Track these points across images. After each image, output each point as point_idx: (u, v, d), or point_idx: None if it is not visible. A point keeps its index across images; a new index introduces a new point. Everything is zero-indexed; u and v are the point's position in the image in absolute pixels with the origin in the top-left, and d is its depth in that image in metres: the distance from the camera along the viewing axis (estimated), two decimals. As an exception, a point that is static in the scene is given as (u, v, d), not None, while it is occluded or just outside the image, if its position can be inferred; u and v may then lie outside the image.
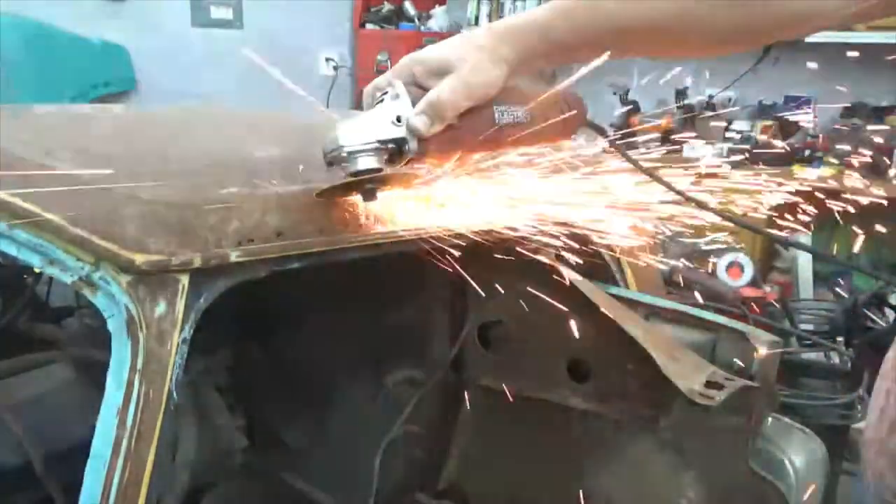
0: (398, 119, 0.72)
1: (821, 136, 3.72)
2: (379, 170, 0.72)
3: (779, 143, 3.63)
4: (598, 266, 1.12)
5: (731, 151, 3.60)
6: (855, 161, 3.03)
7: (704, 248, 2.02)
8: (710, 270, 1.86)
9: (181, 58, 3.64)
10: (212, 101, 2.92)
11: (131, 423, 0.67)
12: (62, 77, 3.13)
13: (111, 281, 0.69)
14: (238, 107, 1.46)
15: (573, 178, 0.91)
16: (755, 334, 0.92)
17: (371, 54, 4.17)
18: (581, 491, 1.02)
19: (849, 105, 3.68)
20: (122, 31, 3.42)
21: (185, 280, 0.71)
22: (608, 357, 0.97)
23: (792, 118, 3.83)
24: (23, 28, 3.01)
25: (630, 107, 4.09)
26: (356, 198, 0.78)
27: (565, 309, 1.01)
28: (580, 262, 1.15)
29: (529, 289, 1.05)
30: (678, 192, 0.93)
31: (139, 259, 0.68)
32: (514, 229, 0.89)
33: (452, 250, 1.04)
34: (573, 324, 1.00)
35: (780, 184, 1.07)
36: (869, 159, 3.20)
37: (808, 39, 3.60)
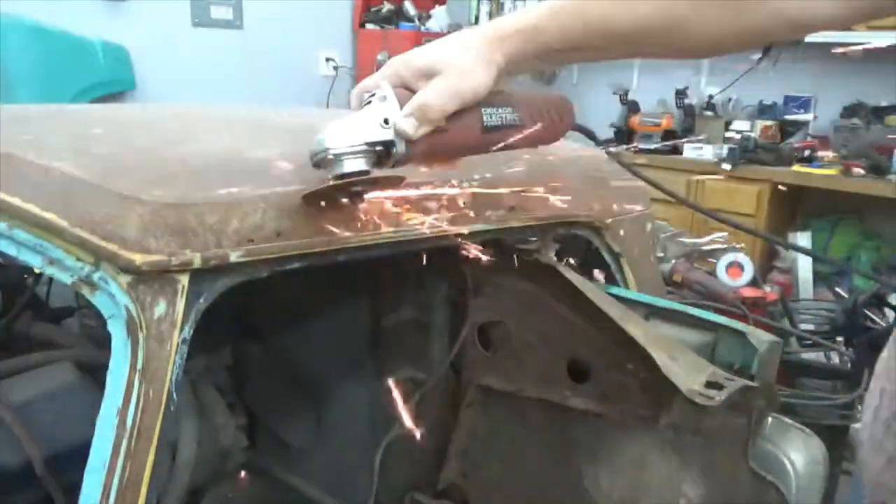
0: (386, 121, 0.72)
1: (821, 135, 3.72)
2: (366, 172, 0.71)
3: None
4: (597, 266, 1.12)
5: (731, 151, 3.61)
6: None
7: (704, 248, 2.02)
8: (710, 270, 1.86)
9: (181, 58, 3.64)
10: (212, 101, 2.92)
11: (131, 423, 0.67)
12: (62, 77, 3.14)
13: (111, 281, 0.69)
14: (238, 107, 1.46)
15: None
16: (755, 334, 0.92)
17: (371, 54, 4.17)
18: (581, 491, 1.02)
19: (849, 105, 3.68)
20: (122, 31, 3.42)
21: (185, 280, 0.71)
22: (608, 357, 0.97)
23: (791, 118, 3.83)
24: (23, 28, 3.01)
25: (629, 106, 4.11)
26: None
27: (565, 309, 1.01)
28: (580, 261, 1.16)
29: (529, 289, 1.05)
30: (677, 198, 0.94)
31: (139, 259, 0.68)
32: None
33: (452, 250, 1.04)
34: (573, 324, 1.00)
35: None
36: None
37: (808, 39, 3.61)
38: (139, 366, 0.68)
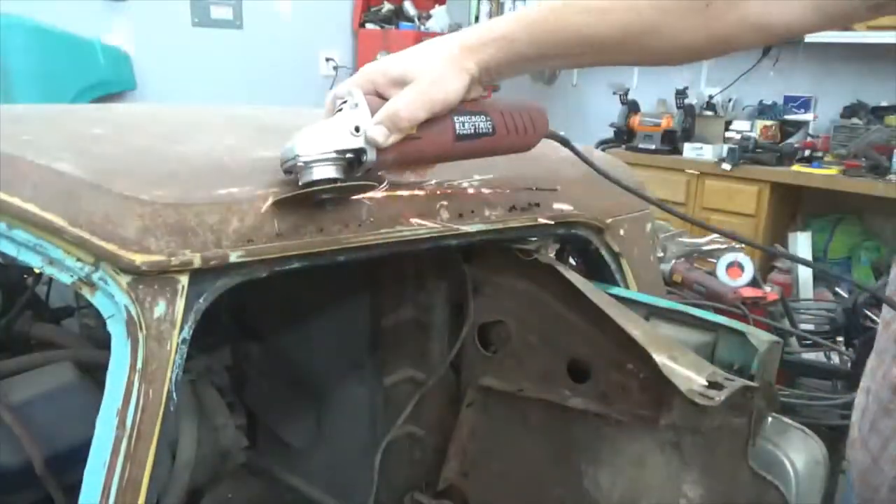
0: (356, 129, 0.72)
1: (821, 135, 3.73)
2: (336, 180, 0.72)
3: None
4: (597, 266, 1.12)
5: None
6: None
7: (704, 248, 2.02)
8: (710, 270, 1.86)
9: (181, 58, 3.64)
10: (212, 101, 2.92)
11: (131, 423, 0.67)
12: (62, 77, 3.14)
13: (111, 281, 0.69)
14: (238, 107, 1.46)
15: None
16: (755, 334, 0.92)
17: (371, 54, 4.17)
18: (581, 491, 1.02)
19: (849, 105, 3.68)
20: (122, 31, 3.42)
21: (184, 280, 0.71)
22: (608, 357, 0.97)
23: (791, 118, 3.83)
24: (23, 28, 3.02)
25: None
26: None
27: (565, 309, 1.01)
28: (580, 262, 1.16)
29: (529, 289, 1.05)
30: (669, 211, 0.94)
31: (139, 259, 0.68)
32: None
33: (452, 251, 1.04)
34: (573, 324, 1.00)
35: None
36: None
37: (808, 39, 3.62)
38: (139, 366, 0.68)
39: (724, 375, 0.84)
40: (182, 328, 0.71)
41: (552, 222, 1.02)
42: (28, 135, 0.90)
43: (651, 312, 1.02)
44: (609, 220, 1.09)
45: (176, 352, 0.70)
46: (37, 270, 1.02)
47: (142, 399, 0.67)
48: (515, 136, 0.80)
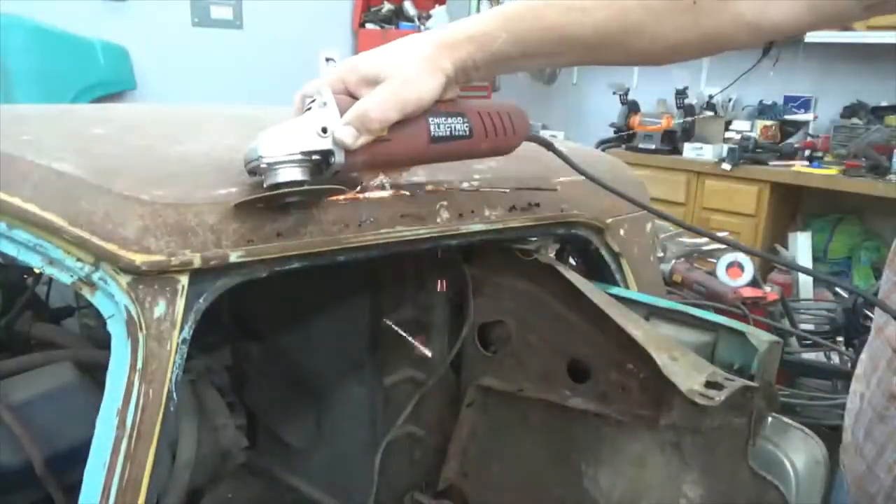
0: (324, 130, 0.68)
1: (821, 135, 3.73)
2: (302, 182, 0.68)
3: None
4: (597, 266, 1.12)
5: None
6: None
7: (704, 248, 2.02)
8: (710, 270, 1.86)
9: (181, 58, 3.64)
10: (212, 101, 2.92)
11: (131, 423, 0.67)
12: (62, 77, 3.14)
13: (111, 281, 0.69)
14: (238, 106, 1.46)
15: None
16: (755, 334, 0.92)
17: (371, 54, 4.17)
18: (581, 491, 1.02)
19: (849, 105, 3.68)
20: (122, 31, 3.42)
21: (184, 280, 0.71)
22: (608, 357, 0.97)
23: (791, 118, 3.83)
24: (23, 28, 3.02)
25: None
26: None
27: (565, 309, 1.01)
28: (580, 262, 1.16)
29: (529, 289, 1.05)
30: (667, 218, 0.94)
31: (139, 259, 0.68)
32: None
33: (452, 251, 1.04)
34: (573, 324, 1.00)
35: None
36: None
37: (808, 39, 3.62)
38: (139, 366, 0.68)
39: (724, 375, 0.84)
40: (182, 328, 0.71)
41: (552, 222, 1.02)
42: (28, 135, 0.90)
43: (651, 312, 1.02)
44: (609, 220, 1.09)
45: (176, 352, 0.70)
46: (37, 270, 1.02)
47: (142, 399, 0.67)
48: (494, 138, 0.77)
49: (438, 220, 0.89)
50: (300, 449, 1.38)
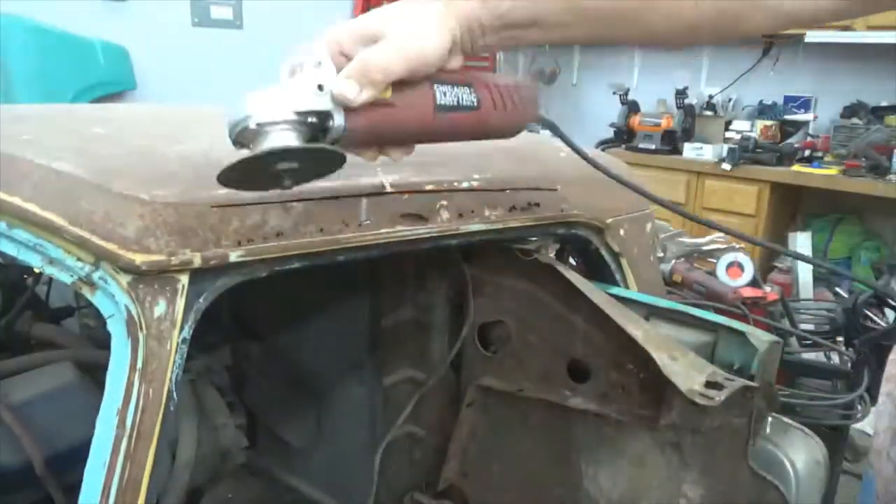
0: (320, 87, 0.60)
1: (821, 135, 3.73)
2: (293, 147, 0.59)
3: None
4: (597, 266, 1.12)
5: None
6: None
7: (704, 248, 2.02)
8: (710, 270, 1.86)
9: (181, 58, 3.64)
10: (212, 101, 2.93)
11: (131, 423, 0.67)
12: (62, 77, 3.14)
13: (111, 281, 0.69)
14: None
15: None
16: (755, 334, 0.92)
17: (371, 54, 4.17)
18: (581, 491, 1.02)
19: (849, 105, 3.68)
20: (122, 31, 3.42)
21: (184, 280, 0.71)
22: (608, 357, 0.97)
23: (791, 118, 3.83)
24: (23, 28, 3.01)
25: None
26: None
27: (565, 309, 1.01)
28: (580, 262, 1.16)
29: (529, 289, 1.05)
30: (664, 205, 0.94)
31: (139, 259, 0.68)
32: None
33: (452, 251, 1.04)
34: (573, 324, 1.00)
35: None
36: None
37: (808, 39, 3.62)
38: (139, 366, 0.68)
39: (724, 375, 0.84)
40: (182, 328, 0.71)
41: (552, 222, 1.02)
42: (28, 135, 0.90)
43: (651, 312, 1.02)
44: (609, 220, 1.09)
45: (176, 351, 0.70)
46: (37, 270, 1.02)
47: (142, 399, 0.67)
48: (503, 112, 0.71)
49: (438, 220, 0.89)
50: (300, 449, 1.38)
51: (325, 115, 0.61)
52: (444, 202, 0.89)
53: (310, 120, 0.60)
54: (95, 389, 1.07)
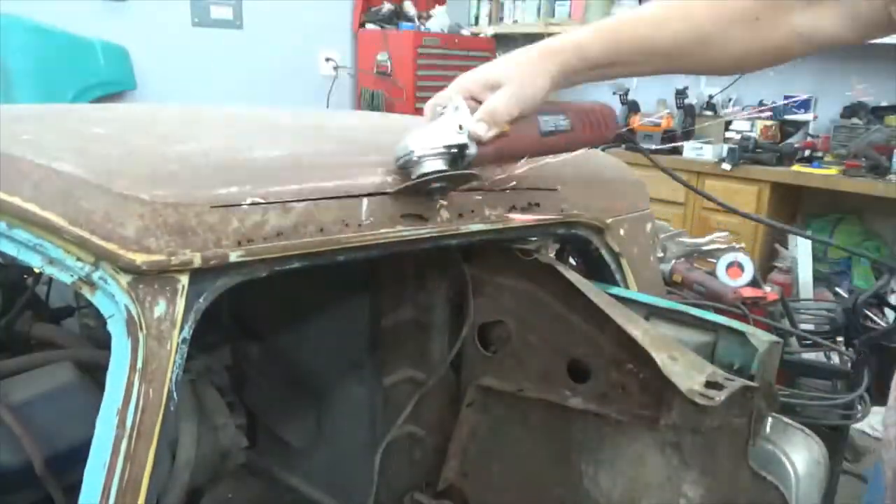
0: (460, 127, 0.81)
1: (821, 135, 3.73)
2: (444, 171, 0.81)
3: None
4: (597, 266, 1.12)
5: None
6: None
7: (704, 248, 2.02)
8: (710, 270, 1.86)
9: (181, 58, 3.64)
10: (212, 101, 2.93)
11: (131, 423, 0.67)
12: (62, 77, 3.14)
13: (111, 281, 0.69)
14: (238, 107, 1.46)
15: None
16: (755, 334, 0.92)
17: (371, 54, 4.17)
18: (581, 491, 1.02)
19: (849, 105, 3.68)
20: (122, 31, 3.42)
21: (184, 280, 0.71)
22: (608, 357, 0.97)
23: (791, 118, 3.83)
24: (22, 28, 3.02)
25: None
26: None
27: (565, 309, 1.01)
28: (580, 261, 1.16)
29: (529, 289, 1.05)
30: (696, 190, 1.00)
31: (139, 259, 0.68)
32: None
33: (452, 251, 1.04)
34: (573, 324, 1.00)
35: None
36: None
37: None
38: (139, 366, 0.68)
39: (724, 375, 0.84)
40: (182, 328, 0.71)
41: (552, 222, 1.02)
42: (28, 135, 0.90)
43: (651, 312, 1.02)
44: (609, 220, 1.09)
45: (176, 351, 0.70)
46: (37, 270, 1.02)
47: (142, 399, 0.67)
48: (591, 132, 0.91)
49: (438, 220, 0.89)
50: (300, 449, 1.38)
51: (462, 146, 0.82)
52: (444, 202, 0.89)
53: (452, 150, 0.81)
54: (95, 389, 1.07)
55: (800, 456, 0.92)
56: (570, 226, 1.05)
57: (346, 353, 1.27)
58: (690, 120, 3.92)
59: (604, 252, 1.10)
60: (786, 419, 0.95)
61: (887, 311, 1.75)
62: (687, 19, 0.84)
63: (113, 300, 0.69)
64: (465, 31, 4.48)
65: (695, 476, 0.91)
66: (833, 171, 3.45)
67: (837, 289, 2.67)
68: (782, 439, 0.93)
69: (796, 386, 1.61)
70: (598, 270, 1.11)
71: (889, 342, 1.53)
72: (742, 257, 1.83)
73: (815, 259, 3.48)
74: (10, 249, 0.74)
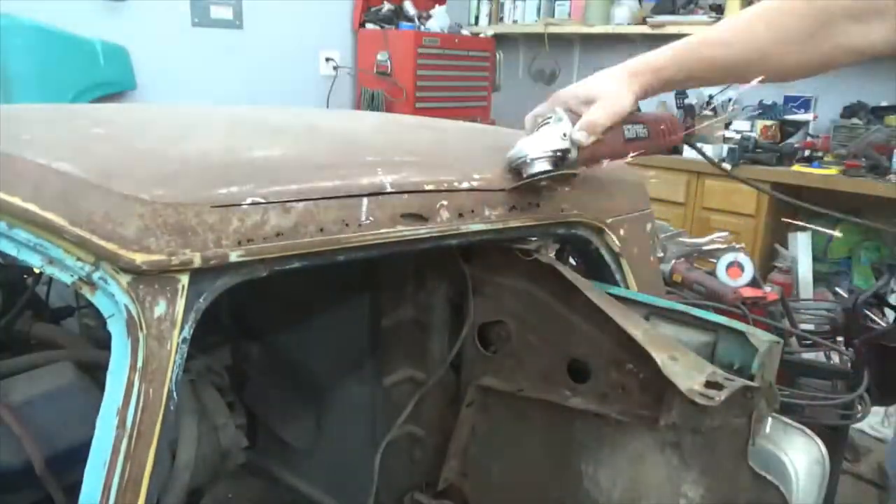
0: (564, 135, 0.95)
1: (821, 135, 3.73)
2: (550, 171, 0.93)
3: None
4: (597, 266, 1.12)
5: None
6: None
7: (704, 248, 2.02)
8: (710, 270, 1.86)
9: (181, 58, 3.64)
10: (212, 101, 2.92)
11: (131, 423, 0.67)
12: (62, 77, 3.13)
13: (111, 281, 0.69)
14: (238, 106, 1.46)
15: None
16: (755, 334, 0.92)
17: (371, 54, 4.17)
18: (581, 490, 1.02)
19: (849, 105, 3.68)
20: (122, 31, 3.41)
21: (184, 280, 0.71)
22: (608, 357, 0.97)
23: (791, 118, 3.83)
24: (23, 28, 3.01)
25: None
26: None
27: (565, 309, 1.01)
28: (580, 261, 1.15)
29: (529, 289, 1.05)
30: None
31: (139, 259, 0.68)
32: None
33: (452, 250, 1.04)
34: (573, 324, 1.00)
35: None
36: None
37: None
38: (139, 365, 0.68)
39: (724, 375, 0.84)
40: (182, 328, 0.71)
41: (552, 222, 1.02)
42: (28, 135, 0.90)
43: (651, 312, 1.02)
44: (609, 220, 1.09)
45: (176, 351, 0.70)
46: (37, 270, 1.02)
47: (142, 399, 0.67)
48: (663, 138, 1.06)
49: (438, 219, 0.89)
50: (300, 449, 1.38)
51: (566, 151, 0.95)
52: (444, 202, 0.89)
53: (557, 154, 0.94)
54: (95, 389, 1.07)
55: (800, 456, 0.92)
56: (570, 226, 1.05)
57: (346, 353, 1.27)
58: (690, 120, 3.92)
59: (604, 252, 1.10)
60: (786, 419, 0.95)
61: (887, 310, 1.75)
62: (751, 42, 0.97)
63: (113, 300, 0.69)
64: (465, 31, 4.48)
65: (695, 476, 0.91)
66: (833, 171, 3.45)
67: (837, 289, 2.67)
68: (782, 439, 0.93)
69: (796, 386, 1.61)
70: (598, 270, 1.11)
71: (889, 342, 1.53)
72: (742, 257, 1.83)
73: (815, 259, 3.48)
74: (10, 249, 0.74)
